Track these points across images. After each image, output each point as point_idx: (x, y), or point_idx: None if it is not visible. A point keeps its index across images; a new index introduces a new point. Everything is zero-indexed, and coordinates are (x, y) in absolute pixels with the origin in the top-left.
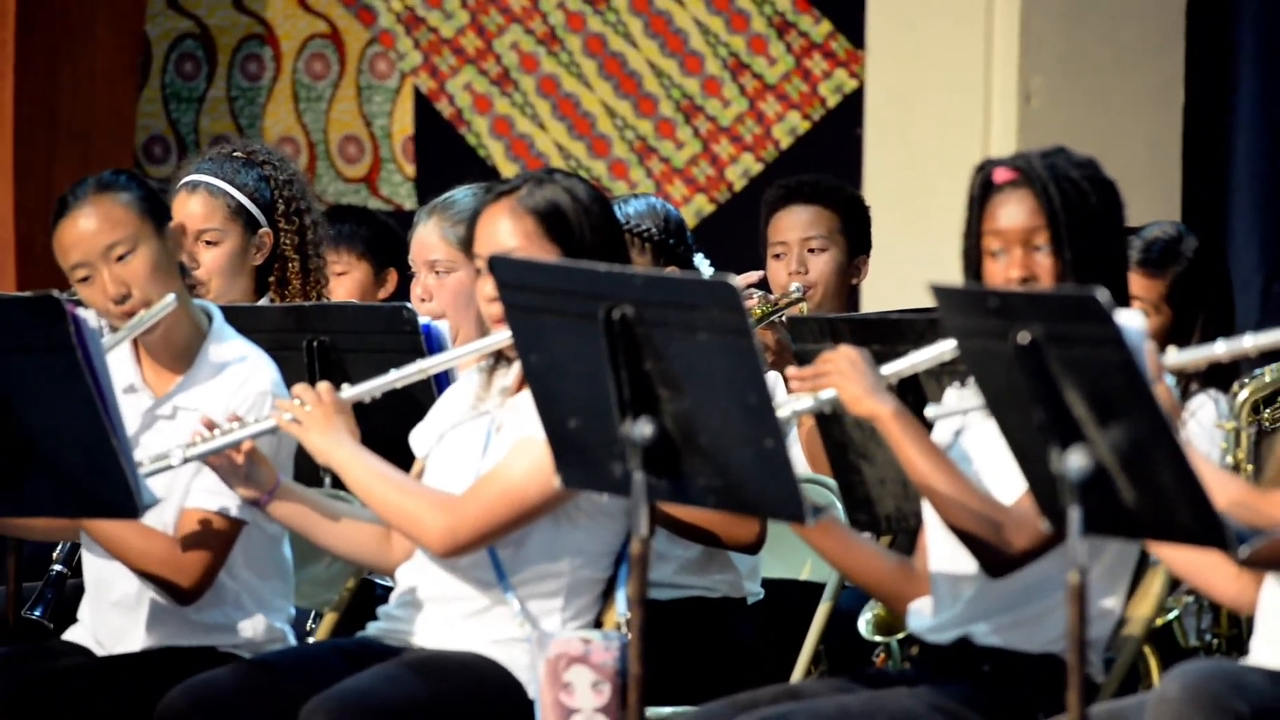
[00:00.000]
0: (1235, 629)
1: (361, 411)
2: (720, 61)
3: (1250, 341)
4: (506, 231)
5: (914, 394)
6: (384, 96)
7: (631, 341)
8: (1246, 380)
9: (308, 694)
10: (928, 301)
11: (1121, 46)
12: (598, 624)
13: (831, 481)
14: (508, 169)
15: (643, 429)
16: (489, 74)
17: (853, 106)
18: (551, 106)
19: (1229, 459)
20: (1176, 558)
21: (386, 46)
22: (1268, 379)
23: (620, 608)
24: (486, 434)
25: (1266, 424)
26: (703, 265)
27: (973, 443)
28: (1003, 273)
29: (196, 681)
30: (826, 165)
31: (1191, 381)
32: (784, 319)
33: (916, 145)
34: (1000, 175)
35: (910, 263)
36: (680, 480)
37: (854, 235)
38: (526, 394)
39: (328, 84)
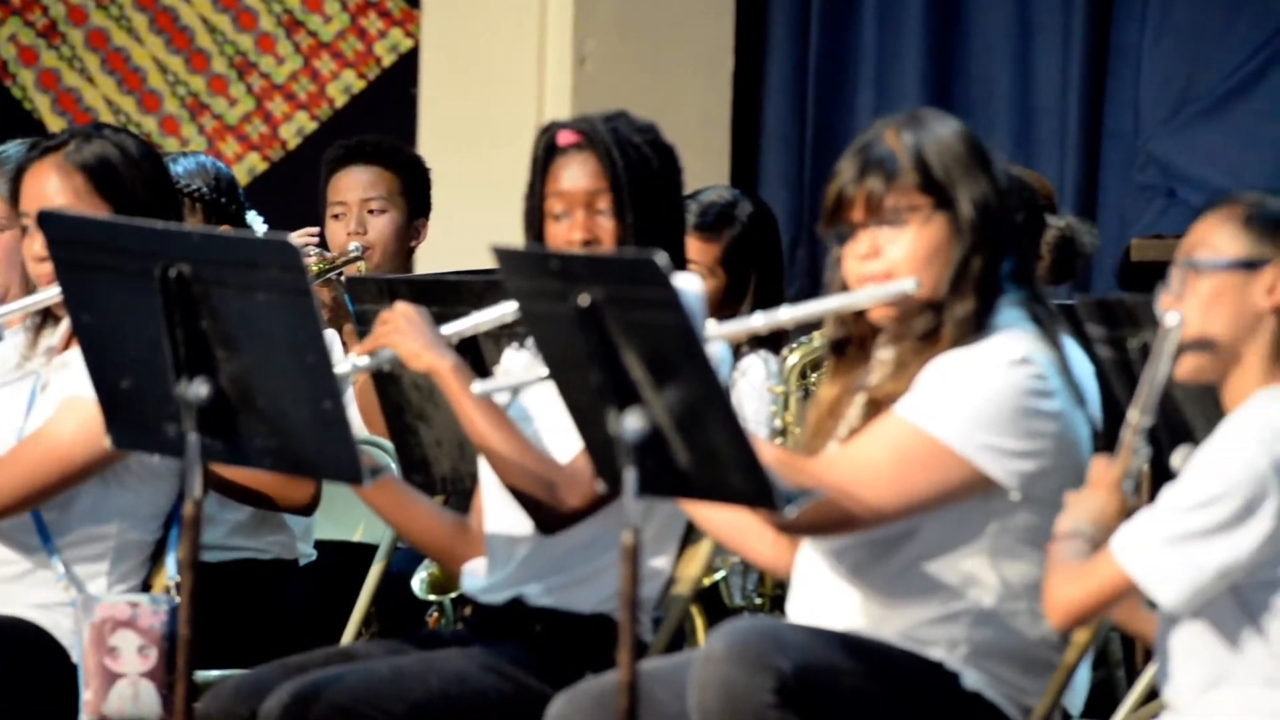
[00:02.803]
0: (779, 589)
1: None
2: (274, 18)
3: (786, 314)
4: (55, 188)
5: (473, 356)
6: None
7: (188, 300)
8: (796, 345)
9: None
10: (482, 262)
11: (674, 12)
12: (146, 587)
13: (388, 443)
14: (55, 123)
15: (198, 389)
16: (35, 25)
17: (408, 66)
18: (101, 60)
19: (778, 421)
20: (716, 523)
21: None
22: (816, 344)
23: (170, 571)
24: (31, 393)
25: (813, 388)
26: (256, 223)
27: (531, 402)
28: (564, 235)
29: None
30: (382, 124)
31: (742, 343)
32: (342, 277)
33: (472, 106)
34: (564, 138)
35: (463, 223)
36: (236, 441)
37: (414, 198)
38: (75, 351)
39: None
